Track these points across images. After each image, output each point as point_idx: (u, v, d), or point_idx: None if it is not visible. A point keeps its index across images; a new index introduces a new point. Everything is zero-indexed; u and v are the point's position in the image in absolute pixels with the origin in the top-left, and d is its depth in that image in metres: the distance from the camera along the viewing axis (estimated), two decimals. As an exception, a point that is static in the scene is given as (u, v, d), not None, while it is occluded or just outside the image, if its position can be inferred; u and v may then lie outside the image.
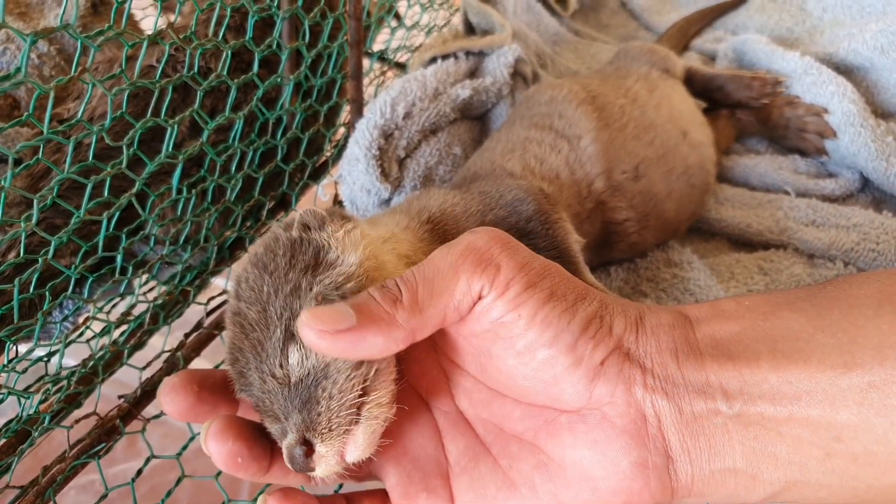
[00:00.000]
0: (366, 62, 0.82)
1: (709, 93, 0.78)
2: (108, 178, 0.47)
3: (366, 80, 0.83)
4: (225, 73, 0.54)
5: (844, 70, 0.84)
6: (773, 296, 0.31)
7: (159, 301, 0.56)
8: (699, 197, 0.67)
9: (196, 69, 0.51)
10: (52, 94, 0.36)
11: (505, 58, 0.73)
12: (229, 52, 0.52)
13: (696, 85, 0.77)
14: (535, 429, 0.32)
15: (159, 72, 0.50)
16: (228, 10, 0.51)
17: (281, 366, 0.33)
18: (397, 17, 0.91)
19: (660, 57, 0.72)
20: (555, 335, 0.30)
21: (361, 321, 0.30)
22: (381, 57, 0.91)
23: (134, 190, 0.46)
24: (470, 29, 0.79)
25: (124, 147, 0.44)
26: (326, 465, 0.32)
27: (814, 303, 0.29)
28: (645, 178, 0.60)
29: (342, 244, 0.36)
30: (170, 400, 0.34)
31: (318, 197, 0.66)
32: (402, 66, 0.92)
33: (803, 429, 0.27)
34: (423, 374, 0.35)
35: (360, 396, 0.32)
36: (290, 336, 0.33)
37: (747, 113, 0.78)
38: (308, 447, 0.32)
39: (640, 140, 0.61)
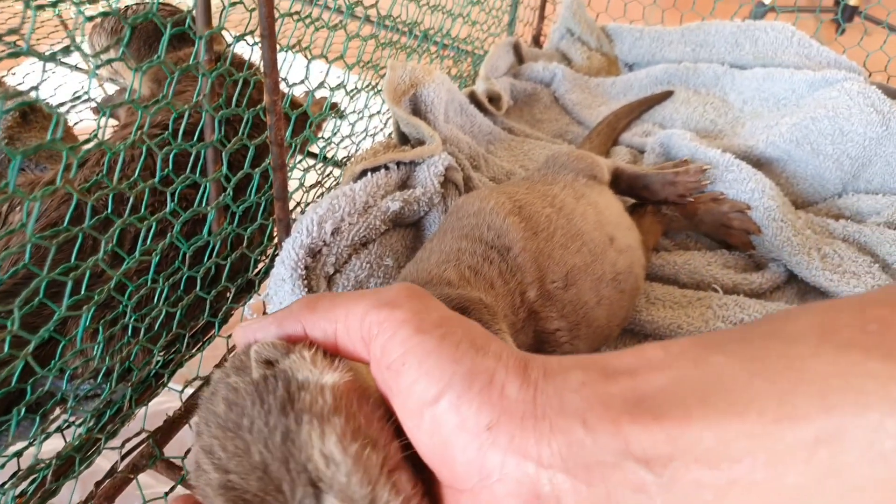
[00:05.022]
0: (310, 160, 0.83)
1: (636, 191, 0.80)
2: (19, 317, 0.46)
3: (311, 178, 0.84)
4: (143, 209, 0.53)
5: (765, 161, 0.88)
6: (704, 338, 0.27)
7: (72, 446, 0.54)
8: (629, 301, 0.67)
9: (110, 209, 0.51)
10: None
11: (435, 167, 0.74)
12: (147, 191, 0.52)
13: (623, 184, 0.79)
14: None
15: (68, 217, 0.49)
16: (144, 147, 0.51)
17: None
18: (339, 113, 0.92)
19: (587, 164, 0.74)
20: (439, 391, 0.27)
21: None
22: (323, 157, 0.92)
23: (30, 348, 0.45)
24: (404, 137, 0.80)
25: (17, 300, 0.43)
26: None
27: (747, 344, 0.25)
28: (574, 286, 0.61)
29: (313, 362, 0.33)
30: None
31: (244, 317, 0.65)
32: (342, 165, 0.93)
33: (749, 497, 0.23)
34: None
35: None
36: (316, 489, 0.29)
37: (674, 209, 0.80)
38: None
39: (568, 249, 0.62)
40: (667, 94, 1.01)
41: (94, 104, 1.02)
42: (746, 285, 0.74)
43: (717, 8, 1.14)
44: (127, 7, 0.95)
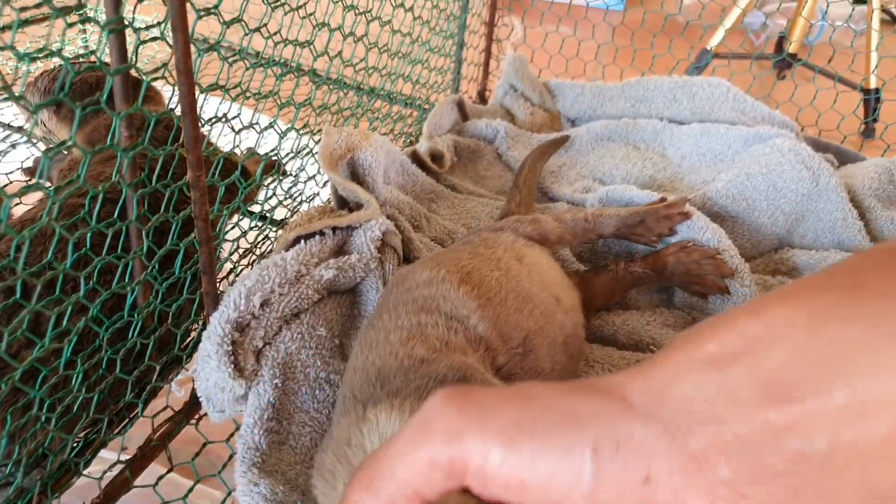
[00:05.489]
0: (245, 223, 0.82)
1: (630, 230, 0.77)
2: None
3: (250, 236, 0.82)
4: (58, 291, 0.51)
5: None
6: (801, 296, 0.26)
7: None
8: (575, 366, 0.66)
9: (19, 295, 0.49)
10: None
11: (372, 232, 0.73)
12: (61, 275, 0.50)
13: (608, 229, 0.77)
14: None
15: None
16: (57, 228, 0.50)
17: None
18: (283, 172, 0.91)
19: (533, 227, 0.73)
20: (575, 484, 0.26)
21: None
22: (261, 217, 0.91)
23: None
24: (342, 201, 0.80)
25: None
26: None
27: (860, 308, 0.25)
28: (532, 353, 0.58)
29: None
30: None
31: (171, 393, 0.63)
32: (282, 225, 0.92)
33: None
34: None
35: None
36: None
37: (642, 264, 0.78)
38: None
39: (522, 312, 0.60)
40: (566, 138, 1.03)
41: (26, 165, 0.99)
42: (684, 345, 0.74)
43: (656, 63, 1.17)
44: (55, 69, 0.93)
